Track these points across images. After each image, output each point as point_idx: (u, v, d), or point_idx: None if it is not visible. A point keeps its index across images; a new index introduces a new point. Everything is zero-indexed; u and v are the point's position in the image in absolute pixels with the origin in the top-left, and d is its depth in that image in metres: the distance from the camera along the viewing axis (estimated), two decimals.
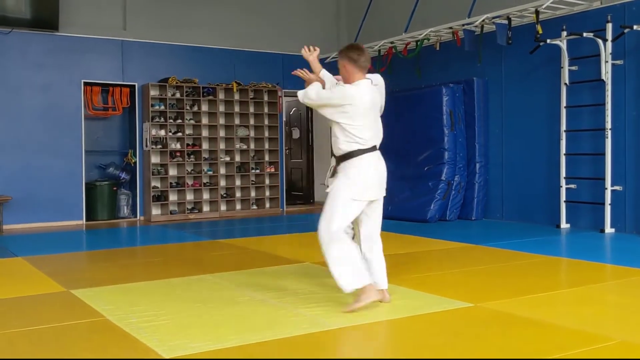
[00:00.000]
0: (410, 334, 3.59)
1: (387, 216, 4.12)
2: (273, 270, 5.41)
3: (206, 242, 7.48)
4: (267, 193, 11.09)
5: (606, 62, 7.35)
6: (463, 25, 8.70)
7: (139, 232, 9.08)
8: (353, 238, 4.40)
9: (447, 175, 8.98)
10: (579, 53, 7.79)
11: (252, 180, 10.87)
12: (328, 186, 4.53)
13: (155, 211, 10.03)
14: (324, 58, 10.94)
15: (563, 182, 7.96)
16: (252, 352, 3.20)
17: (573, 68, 7.86)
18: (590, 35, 7.42)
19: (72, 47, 9.54)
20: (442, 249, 6.58)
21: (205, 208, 10.46)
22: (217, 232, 8.56)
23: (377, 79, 4.31)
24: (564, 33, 7.75)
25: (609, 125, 7.40)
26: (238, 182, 10.78)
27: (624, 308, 4.09)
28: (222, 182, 10.66)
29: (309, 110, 12.16)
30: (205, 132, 10.44)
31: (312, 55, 4.39)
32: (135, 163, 10.12)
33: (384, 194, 4.15)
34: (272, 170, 11.03)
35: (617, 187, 7.43)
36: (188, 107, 10.31)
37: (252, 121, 10.92)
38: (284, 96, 11.37)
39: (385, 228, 4.45)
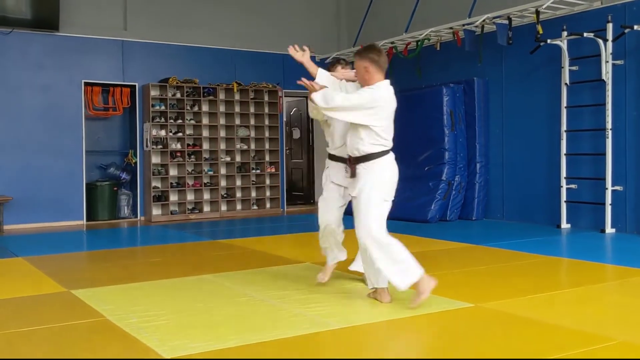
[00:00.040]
0: (410, 334, 3.59)
1: (387, 216, 4.12)
2: (273, 270, 5.41)
3: (206, 242, 7.48)
4: (268, 193, 11.09)
5: (606, 62, 7.35)
6: (463, 25, 8.69)
7: (139, 232, 9.08)
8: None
9: (448, 175, 8.98)
10: (579, 53, 7.78)
11: (253, 181, 10.87)
12: (339, 186, 4.52)
13: (156, 211, 10.03)
14: (325, 58, 10.95)
15: (563, 182, 7.95)
16: (252, 352, 3.19)
17: (573, 68, 7.86)
18: (591, 35, 7.42)
19: (72, 47, 9.55)
20: (443, 249, 6.58)
21: (206, 208, 10.46)
22: (218, 232, 8.56)
23: None
24: (565, 33, 7.75)
25: (609, 125, 7.40)
26: (238, 182, 10.79)
27: (624, 308, 4.08)
28: (223, 182, 10.66)
29: None
30: (205, 133, 10.44)
31: (304, 56, 4.28)
32: (135, 163, 10.13)
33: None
34: (273, 170, 11.03)
35: (617, 187, 7.43)
36: (188, 107, 10.31)
37: (252, 121, 10.92)
38: (285, 96, 11.37)
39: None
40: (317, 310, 3.97)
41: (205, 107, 10.43)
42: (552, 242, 7.04)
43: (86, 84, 9.69)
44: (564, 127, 7.94)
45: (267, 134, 11.00)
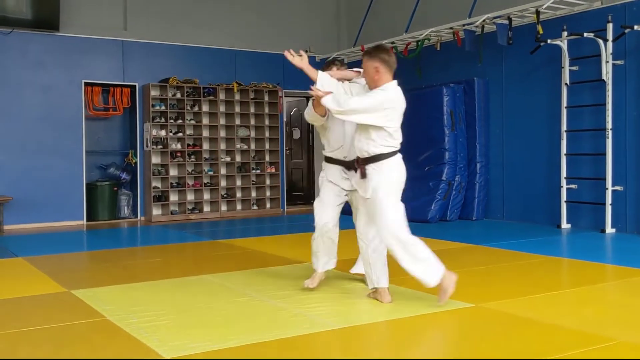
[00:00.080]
0: (410, 334, 3.59)
1: None
2: (273, 270, 5.41)
3: (207, 242, 7.48)
4: (268, 193, 11.09)
5: (607, 62, 7.35)
6: (464, 25, 8.69)
7: (139, 232, 9.08)
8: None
9: (448, 175, 8.98)
10: (579, 53, 7.78)
11: (253, 181, 10.87)
12: (336, 186, 4.49)
13: (156, 211, 10.03)
14: (325, 58, 10.95)
15: (564, 182, 7.95)
16: (252, 352, 3.19)
17: (574, 68, 7.86)
18: (591, 35, 7.42)
19: (72, 48, 9.55)
20: (443, 249, 6.56)
21: (206, 208, 10.46)
22: (218, 232, 8.56)
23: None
24: (565, 33, 7.75)
25: (609, 125, 7.40)
26: (239, 183, 10.78)
27: (624, 308, 4.08)
28: (223, 183, 10.66)
29: None
30: (205, 133, 10.44)
31: (303, 61, 4.16)
32: (135, 163, 10.13)
33: None
34: (273, 170, 11.03)
35: (617, 187, 7.43)
36: (189, 108, 10.31)
37: (252, 121, 10.92)
38: (285, 96, 11.38)
39: None
40: (317, 310, 3.97)
41: (205, 107, 10.43)
42: (552, 242, 7.04)
43: (86, 84, 9.70)
44: (564, 127, 7.94)
45: (267, 134, 11.00)
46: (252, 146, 10.87)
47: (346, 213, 4.54)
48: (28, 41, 9.25)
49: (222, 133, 10.58)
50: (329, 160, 4.56)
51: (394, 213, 3.97)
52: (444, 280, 3.94)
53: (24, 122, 9.23)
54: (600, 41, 7.34)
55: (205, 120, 10.46)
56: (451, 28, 8.94)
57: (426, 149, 9.19)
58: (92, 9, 9.77)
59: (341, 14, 12.02)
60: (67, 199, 9.47)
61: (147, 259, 6.46)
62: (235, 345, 3.27)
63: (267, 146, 11.02)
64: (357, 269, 4.76)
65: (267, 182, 11.03)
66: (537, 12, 7.66)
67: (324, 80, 4.13)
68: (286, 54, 4.15)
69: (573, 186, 7.93)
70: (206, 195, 10.47)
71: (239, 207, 10.74)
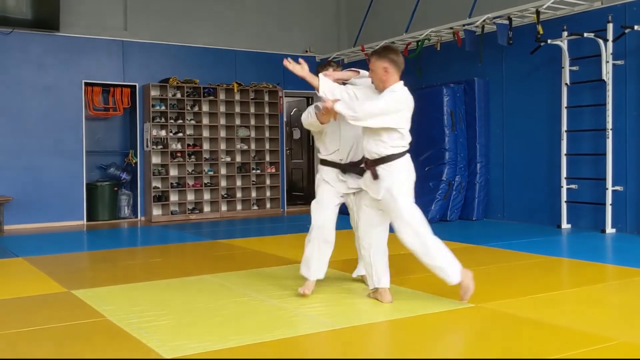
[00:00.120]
0: (411, 335, 3.59)
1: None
2: (273, 270, 5.40)
3: (207, 242, 7.48)
4: (268, 193, 11.10)
5: (607, 62, 7.35)
6: (464, 25, 8.69)
7: (139, 232, 9.08)
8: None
9: (448, 175, 8.97)
10: (579, 53, 7.78)
11: (253, 181, 10.87)
12: (333, 187, 4.46)
13: (156, 211, 10.03)
14: (325, 58, 10.95)
15: (564, 182, 7.95)
16: (252, 352, 3.19)
17: (574, 68, 7.85)
18: (591, 35, 7.42)
19: (73, 48, 9.55)
20: None
21: (206, 208, 10.46)
22: (218, 232, 8.56)
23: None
24: (565, 33, 7.75)
25: (609, 125, 7.40)
26: (239, 183, 10.79)
27: (625, 308, 4.08)
28: (223, 183, 10.66)
29: None
30: (206, 133, 10.44)
31: (303, 70, 4.10)
32: (136, 163, 10.13)
33: None
34: (273, 170, 11.03)
35: (618, 188, 7.43)
36: (189, 108, 10.32)
37: (252, 121, 10.92)
38: (285, 96, 11.37)
39: None
40: (317, 310, 3.97)
41: (205, 107, 10.43)
42: (552, 242, 7.04)
43: (86, 84, 9.70)
44: (564, 127, 7.94)
45: (267, 134, 11.00)
46: (252, 146, 10.87)
47: (343, 213, 4.53)
48: (28, 41, 9.25)
49: (222, 133, 10.58)
50: (325, 162, 4.51)
51: (412, 211, 4.00)
52: (464, 279, 3.98)
53: (24, 122, 9.23)
54: (601, 41, 7.34)
55: (206, 121, 10.46)
56: (451, 28, 8.94)
57: (426, 149, 9.18)
58: (92, 9, 9.78)
59: (341, 14, 12.02)
60: (68, 199, 9.48)
61: (147, 259, 6.46)
62: (235, 345, 3.27)
63: (267, 146, 11.02)
64: (359, 271, 4.74)
65: (267, 182, 11.03)
66: (537, 12, 7.66)
67: (328, 87, 4.06)
68: (285, 63, 4.10)
69: (573, 186, 7.93)
70: (206, 196, 10.47)
71: (239, 207, 10.74)
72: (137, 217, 10.12)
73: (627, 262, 5.54)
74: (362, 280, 4.70)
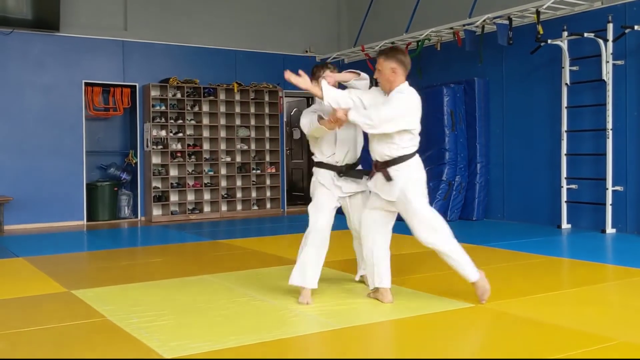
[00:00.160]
0: (411, 334, 3.59)
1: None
2: (274, 270, 5.40)
3: (207, 242, 7.48)
4: (268, 193, 11.09)
5: (607, 62, 7.35)
6: (464, 25, 8.69)
7: (139, 232, 9.08)
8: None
9: (448, 175, 8.97)
10: (579, 53, 7.78)
11: (253, 181, 10.87)
12: (329, 190, 4.43)
13: (156, 211, 10.03)
14: (325, 58, 10.95)
15: (564, 182, 7.95)
16: (252, 352, 3.19)
17: (574, 68, 7.85)
18: (591, 35, 7.42)
19: (73, 48, 9.55)
20: None
21: (206, 208, 10.46)
22: (218, 232, 8.56)
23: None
24: (565, 33, 7.75)
25: (609, 125, 7.40)
26: (239, 183, 10.79)
27: (625, 308, 4.09)
28: (223, 183, 10.66)
29: None
30: (206, 133, 10.44)
31: (305, 82, 4.05)
32: (136, 163, 10.13)
33: None
34: (273, 170, 11.03)
35: (618, 188, 7.43)
36: (189, 108, 10.32)
37: (252, 122, 10.92)
38: (285, 97, 11.37)
39: None
40: (317, 310, 3.97)
41: (205, 108, 10.43)
42: (552, 242, 7.04)
43: (87, 84, 9.70)
44: (564, 127, 7.94)
45: (267, 134, 11.00)
46: (253, 146, 10.87)
47: (340, 212, 4.52)
48: (28, 41, 9.25)
49: (223, 133, 10.58)
50: (321, 165, 4.45)
51: (429, 211, 4.01)
52: (480, 279, 4.02)
53: (25, 122, 9.23)
54: (601, 41, 7.34)
55: (206, 121, 10.46)
56: (451, 28, 8.94)
57: (426, 149, 9.11)
58: (92, 9, 9.78)
59: (341, 14, 12.02)
60: (68, 199, 9.48)
61: (147, 259, 6.46)
62: (235, 345, 3.27)
63: (267, 146, 11.02)
64: (361, 273, 4.72)
65: (268, 182, 11.03)
66: (538, 12, 7.66)
67: (332, 96, 4.03)
68: (286, 76, 4.05)
69: (573, 186, 7.93)
70: (206, 196, 10.47)
71: (239, 207, 10.74)
72: (137, 217, 10.12)
73: (627, 262, 5.54)
74: (362, 280, 4.69)
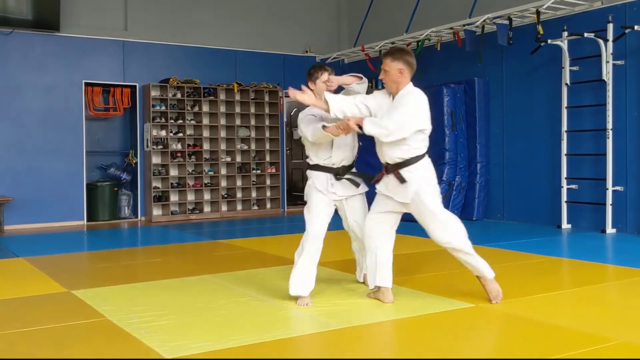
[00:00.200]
0: (411, 334, 3.59)
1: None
2: (273, 270, 5.41)
3: (207, 242, 7.48)
4: (268, 193, 11.09)
5: (607, 62, 7.35)
6: (464, 25, 8.69)
7: (139, 232, 9.08)
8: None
9: (448, 175, 8.97)
10: (579, 53, 7.78)
11: (253, 181, 10.87)
12: (325, 195, 4.41)
13: (156, 212, 10.03)
14: (325, 58, 10.95)
15: (564, 182, 7.95)
16: (252, 352, 3.19)
17: (574, 68, 7.85)
18: (591, 35, 7.42)
19: (73, 48, 9.55)
20: (444, 250, 6.54)
21: (206, 208, 10.46)
22: (218, 232, 8.56)
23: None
24: (565, 33, 7.75)
25: (610, 125, 7.40)
26: (239, 183, 10.79)
27: (625, 309, 4.09)
28: (223, 183, 10.66)
29: None
30: (206, 133, 10.44)
31: (310, 97, 4.07)
32: (136, 163, 10.13)
33: None
34: (273, 170, 11.03)
35: (618, 188, 7.43)
36: (189, 108, 10.32)
37: (253, 122, 10.92)
38: (285, 97, 11.37)
39: None
40: (317, 310, 3.97)
41: (205, 108, 10.43)
42: (552, 242, 7.04)
43: (87, 84, 9.70)
44: (564, 127, 7.94)
45: (267, 135, 11.00)
46: (253, 146, 10.87)
47: (336, 213, 4.51)
48: (29, 41, 9.25)
49: (223, 133, 10.58)
50: (317, 168, 4.42)
51: (444, 211, 4.05)
52: (494, 279, 4.07)
53: (25, 122, 9.23)
54: (601, 41, 7.34)
55: (206, 121, 10.46)
56: (451, 28, 8.94)
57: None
58: (92, 9, 9.78)
59: (341, 14, 12.02)
60: (68, 199, 9.48)
61: (147, 259, 6.46)
62: (235, 345, 3.27)
63: (267, 146, 11.02)
64: (364, 272, 4.70)
65: (268, 182, 11.03)
66: (538, 12, 7.66)
67: (338, 108, 4.01)
68: (290, 94, 4.06)
69: (573, 186, 7.93)
70: (206, 196, 10.47)
71: (239, 207, 10.74)
72: (137, 217, 10.12)
73: (627, 262, 5.54)
74: (364, 281, 4.68)
